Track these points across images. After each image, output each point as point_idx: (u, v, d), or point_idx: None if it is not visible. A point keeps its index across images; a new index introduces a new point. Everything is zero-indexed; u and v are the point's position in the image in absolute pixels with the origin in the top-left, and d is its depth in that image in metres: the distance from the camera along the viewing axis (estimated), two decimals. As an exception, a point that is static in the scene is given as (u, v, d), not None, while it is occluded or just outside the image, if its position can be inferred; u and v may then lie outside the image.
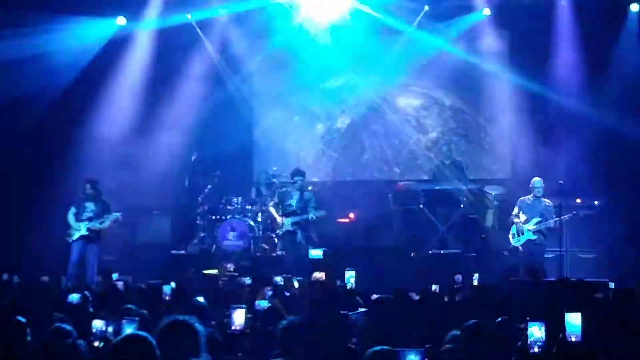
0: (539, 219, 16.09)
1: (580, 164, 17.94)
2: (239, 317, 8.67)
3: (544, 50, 19.06)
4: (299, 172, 16.94)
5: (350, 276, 12.16)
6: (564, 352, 7.49)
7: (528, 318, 7.81)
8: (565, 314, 7.83)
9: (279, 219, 16.86)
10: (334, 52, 20.40)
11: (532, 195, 16.27)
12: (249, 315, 9.12)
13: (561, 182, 16.53)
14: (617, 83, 18.30)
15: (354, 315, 8.94)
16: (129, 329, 7.53)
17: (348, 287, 11.99)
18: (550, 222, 16.09)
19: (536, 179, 16.35)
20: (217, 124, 20.09)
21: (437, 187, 18.72)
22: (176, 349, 6.24)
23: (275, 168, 19.79)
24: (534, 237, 16.12)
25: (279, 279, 12.98)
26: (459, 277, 13.28)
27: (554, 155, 18.26)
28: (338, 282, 12.27)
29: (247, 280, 13.25)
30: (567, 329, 7.75)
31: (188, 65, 20.35)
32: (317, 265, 14.17)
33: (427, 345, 7.32)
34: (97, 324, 7.90)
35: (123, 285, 12.37)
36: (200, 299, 10.32)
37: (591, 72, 18.57)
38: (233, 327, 8.61)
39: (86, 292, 10.81)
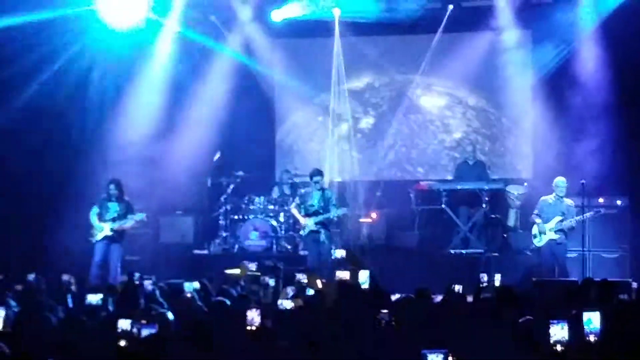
0: (561, 218, 16.04)
1: (603, 163, 17.85)
2: (253, 316, 8.73)
3: (566, 49, 19.00)
4: (318, 173, 16.94)
5: (365, 276, 12.14)
6: (582, 351, 7.48)
7: (551, 318, 7.80)
8: (584, 313, 7.82)
9: (302, 220, 16.87)
10: (357, 52, 20.47)
11: (554, 194, 16.23)
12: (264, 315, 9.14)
13: (583, 181, 16.49)
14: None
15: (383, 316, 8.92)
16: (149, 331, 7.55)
17: (362, 287, 11.94)
18: (573, 221, 16.05)
19: (559, 178, 16.29)
20: (240, 123, 20.12)
21: (459, 187, 18.68)
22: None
23: (297, 169, 19.85)
24: (556, 236, 16.07)
25: (301, 277, 13.00)
26: (484, 276, 13.24)
27: (577, 154, 18.17)
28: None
29: (270, 281, 13.27)
30: (585, 328, 7.74)
31: (211, 66, 20.36)
32: (341, 265, 14.21)
33: (450, 346, 7.30)
34: (123, 324, 7.93)
35: (151, 285, 12.39)
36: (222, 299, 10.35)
37: (615, 69, 18.45)
38: (248, 327, 8.66)
39: (108, 292, 10.87)
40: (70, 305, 11.00)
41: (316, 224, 16.58)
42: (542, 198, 16.40)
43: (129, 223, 16.38)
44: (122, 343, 7.79)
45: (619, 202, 17.59)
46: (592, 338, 7.69)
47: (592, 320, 7.74)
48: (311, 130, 21.32)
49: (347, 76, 20.87)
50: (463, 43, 20.01)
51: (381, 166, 21.00)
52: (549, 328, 7.49)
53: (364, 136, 21.26)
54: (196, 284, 12.08)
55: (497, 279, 13.35)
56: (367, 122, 21.28)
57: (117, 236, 16.37)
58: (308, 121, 21.28)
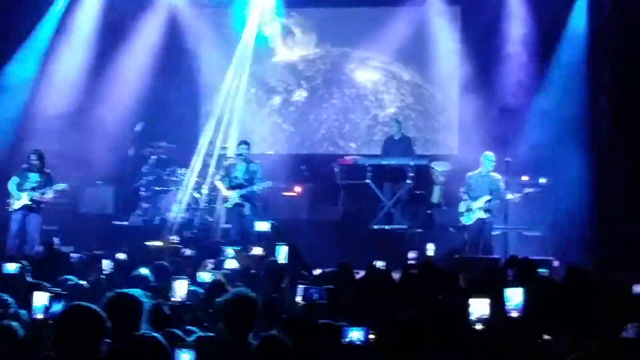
0: (489, 197, 15.81)
1: (527, 140, 17.95)
2: (180, 288, 8.55)
3: (495, 26, 19.06)
4: (243, 143, 16.79)
5: (282, 251, 11.88)
6: (503, 328, 7.45)
7: (471, 295, 7.75)
8: (505, 289, 7.80)
9: (225, 193, 16.71)
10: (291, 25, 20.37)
11: (480, 170, 16.04)
12: (192, 288, 9.01)
13: (508, 159, 16.52)
14: (567, 60, 18.36)
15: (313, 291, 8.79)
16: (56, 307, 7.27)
17: (279, 263, 11.71)
18: (503, 194, 15.85)
19: (487, 153, 16.03)
20: (164, 93, 19.87)
21: (384, 162, 18.63)
22: (118, 322, 6.09)
23: (225, 143, 19.67)
24: (485, 216, 15.82)
25: (230, 252, 12.87)
26: (413, 254, 13.12)
27: (502, 131, 18.24)
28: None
29: (191, 253, 13.15)
30: (507, 305, 7.72)
31: (135, 35, 20.06)
32: (263, 238, 14.09)
33: (371, 322, 7.23)
34: (40, 297, 7.59)
35: (78, 257, 12.18)
36: (144, 271, 10.19)
37: (542, 47, 18.56)
38: (174, 299, 8.49)
39: (25, 262, 10.62)
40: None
41: (240, 196, 16.43)
42: (469, 174, 16.07)
43: (48, 194, 16.03)
44: (39, 316, 7.48)
45: (542, 181, 17.61)
46: (514, 314, 7.66)
47: (514, 296, 7.71)
48: (242, 102, 21.03)
49: (281, 48, 20.75)
50: (397, 17, 19.93)
51: (313, 140, 20.91)
52: (469, 305, 7.42)
53: (296, 109, 21.10)
54: (121, 255, 11.97)
55: (431, 249, 13.35)
56: (300, 94, 21.13)
57: (36, 206, 16.02)
58: (239, 93, 20.95)
